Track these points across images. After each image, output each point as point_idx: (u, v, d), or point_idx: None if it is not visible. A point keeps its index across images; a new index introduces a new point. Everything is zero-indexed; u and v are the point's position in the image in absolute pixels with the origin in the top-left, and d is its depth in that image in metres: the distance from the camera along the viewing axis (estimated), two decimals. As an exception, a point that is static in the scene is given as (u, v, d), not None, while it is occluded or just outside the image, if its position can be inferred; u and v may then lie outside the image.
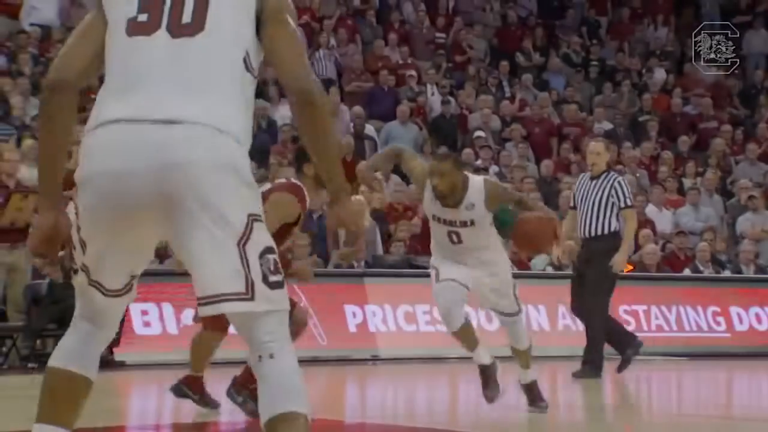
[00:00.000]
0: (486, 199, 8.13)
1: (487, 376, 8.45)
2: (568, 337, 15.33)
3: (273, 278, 3.99)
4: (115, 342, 13.20)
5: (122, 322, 13.45)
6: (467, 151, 19.18)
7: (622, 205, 12.02)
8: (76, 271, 4.17)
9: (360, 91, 20.90)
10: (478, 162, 18.75)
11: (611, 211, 11.98)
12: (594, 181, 12.05)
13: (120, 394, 11.50)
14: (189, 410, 8.60)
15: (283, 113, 19.04)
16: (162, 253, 14.36)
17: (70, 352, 4.23)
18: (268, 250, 4.01)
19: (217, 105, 4.02)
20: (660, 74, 24.50)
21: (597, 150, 12.21)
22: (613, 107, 22.97)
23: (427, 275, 15.65)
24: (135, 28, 4.10)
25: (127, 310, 14.01)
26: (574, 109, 21.97)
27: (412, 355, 15.09)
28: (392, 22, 23.10)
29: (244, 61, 4.13)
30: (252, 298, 3.95)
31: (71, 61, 4.16)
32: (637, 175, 20.04)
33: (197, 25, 4.10)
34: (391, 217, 17.00)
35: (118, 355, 13.31)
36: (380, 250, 16.30)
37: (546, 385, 12.96)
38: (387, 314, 15.26)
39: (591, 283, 12.07)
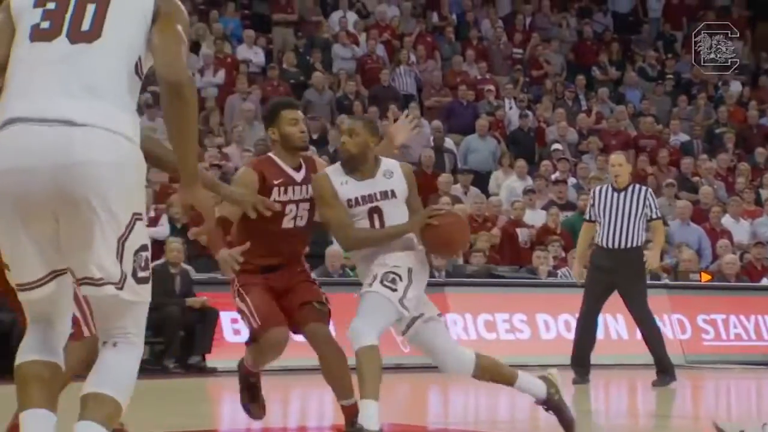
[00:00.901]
0: (404, 177, 7.18)
1: None
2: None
3: (141, 274, 4.33)
4: (207, 349, 13.43)
5: (213, 330, 13.71)
6: (545, 163, 19.16)
7: (654, 216, 11.92)
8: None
9: (439, 106, 20.93)
10: (556, 174, 18.69)
11: (642, 223, 11.82)
12: (621, 193, 11.84)
13: (212, 399, 11.64)
14: (278, 415, 8.63)
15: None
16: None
17: (31, 347, 4.45)
18: (143, 248, 4.35)
19: (111, 108, 4.27)
20: (736, 87, 24.30)
21: (619, 162, 12.08)
22: (688, 120, 22.79)
23: (507, 284, 15.82)
24: (38, 35, 4.33)
25: (218, 318, 14.06)
26: (650, 122, 21.83)
27: (492, 362, 14.97)
28: (470, 39, 23.11)
29: (136, 66, 4.38)
30: (121, 288, 4.28)
31: None
32: (714, 186, 19.87)
33: (95, 32, 4.33)
34: (472, 228, 16.96)
35: (210, 361, 13.42)
36: (460, 260, 16.24)
37: (625, 393, 12.94)
38: (468, 322, 15.18)
39: (633, 294, 11.88)
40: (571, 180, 19.10)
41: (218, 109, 18.96)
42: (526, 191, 18.12)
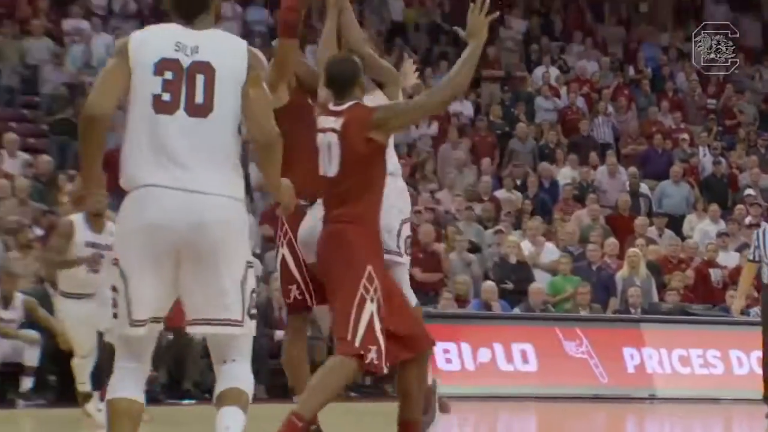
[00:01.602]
0: None
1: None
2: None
3: (252, 311, 4.95)
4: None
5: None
6: (739, 207, 19.16)
7: None
8: (115, 315, 4.93)
9: (635, 154, 21.05)
10: (749, 218, 18.70)
11: None
12: None
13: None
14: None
15: (564, 173, 19.64)
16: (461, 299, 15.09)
17: (125, 385, 4.95)
18: (253, 291, 4.97)
19: (227, 175, 4.87)
20: None
21: None
22: None
23: (701, 321, 15.80)
24: (160, 106, 4.81)
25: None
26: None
27: (687, 395, 14.99)
28: (666, 91, 23.18)
29: (239, 127, 4.92)
30: (241, 325, 4.90)
31: (100, 101, 4.83)
32: None
33: (208, 106, 4.83)
34: (666, 269, 17.18)
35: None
36: (655, 298, 16.46)
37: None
38: (663, 357, 15.29)
39: None
40: (764, 224, 19.01)
41: (432, 157, 19.42)
42: (720, 234, 18.17)
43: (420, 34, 22.45)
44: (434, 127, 19.96)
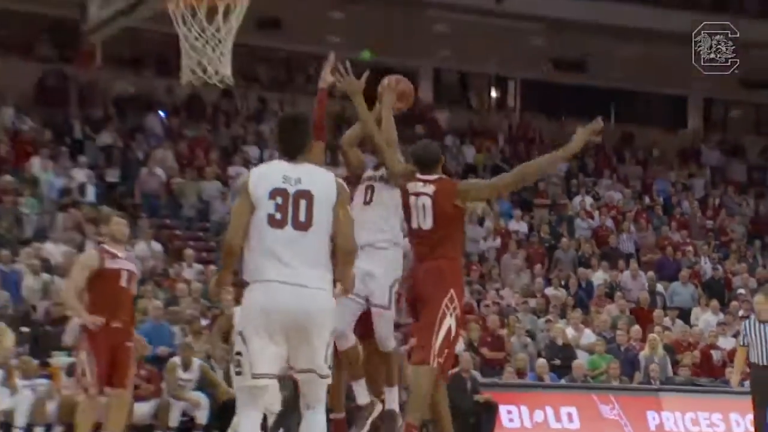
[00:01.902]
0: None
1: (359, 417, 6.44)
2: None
3: (330, 362, 5.09)
4: (490, 432, 13.39)
5: (494, 418, 13.48)
6: (733, 303, 18.64)
7: None
8: (238, 373, 5.00)
9: (652, 261, 20.67)
10: (741, 312, 17.98)
11: None
12: (763, 324, 11.19)
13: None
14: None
15: (598, 276, 19.30)
16: (520, 372, 14.81)
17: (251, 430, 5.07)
18: (334, 350, 5.18)
19: (322, 273, 5.00)
20: None
21: (761, 301, 11.61)
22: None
23: (707, 391, 15.43)
24: (274, 223, 4.95)
25: (497, 410, 13.82)
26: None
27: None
28: (674, 214, 22.95)
29: (330, 237, 5.06)
30: (328, 377, 5.08)
31: (234, 237, 5.01)
32: None
33: (308, 223, 4.97)
34: (678, 350, 16.68)
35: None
36: (671, 373, 16.05)
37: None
38: (677, 419, 14.84)
39: None
40: (752, 315, 18.54)
41: (497, 264, 19.24)
42: (719, 323, 17.74)
43: (486, 173, 22.50)
44: (498, 241, 19.81)
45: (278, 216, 4.97)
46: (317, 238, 4.99)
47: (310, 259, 4.95)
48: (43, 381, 12.13)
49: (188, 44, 6.60)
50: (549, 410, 14.33)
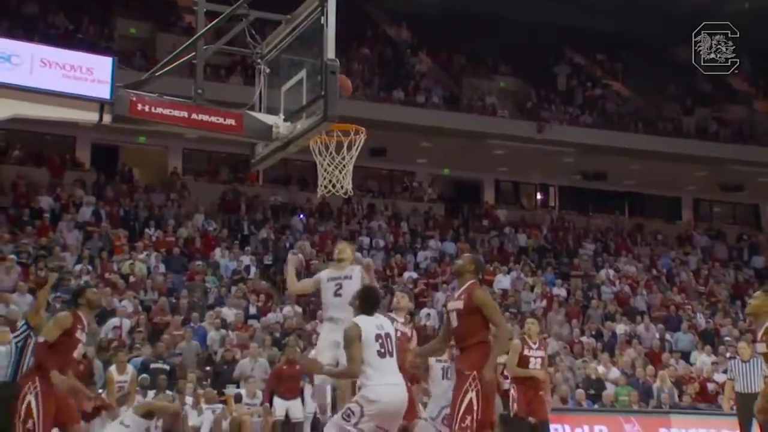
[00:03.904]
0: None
1: None
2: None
3: None
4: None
5: None
6: (721, 348, 17.69)
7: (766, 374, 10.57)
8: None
9: (660, 317, 19.71)
10: (728, 354, 16.86)
11: (759, 378, 10.61)
12: (745, 363, 10.79)
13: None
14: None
15: (620, 327, 18.69)
16: (564, 399, 14.35)
17: None
18: None
19: (401, 377, 5.74)
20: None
21: (743, 346, 11.15)
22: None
23: (704, 413, 14.71)
24: (380, 355, 5.64)
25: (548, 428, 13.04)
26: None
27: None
28: (675, 282, 22.09)
29: None
30: None
31: (355, 368, 5.67)
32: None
33: (392, 352, 5.71)
34: (683, 383, 16.00)
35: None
36: (677, 400, 15.36)
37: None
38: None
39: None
40: (737, 357, 17.68)
41: (544, 319, 18.36)
42: (712, 363, 17.00)
43: (533, 253, 22.29)
44: (545, 302, 19.36)
45: (382, 350, 5.69)
46: (396, 361, 5.79)
47: (396, 368, 5.77)
48: (219, 405, 12.27)
49: (322, 168, 6.90)
50: (586, 428, 13.85)
